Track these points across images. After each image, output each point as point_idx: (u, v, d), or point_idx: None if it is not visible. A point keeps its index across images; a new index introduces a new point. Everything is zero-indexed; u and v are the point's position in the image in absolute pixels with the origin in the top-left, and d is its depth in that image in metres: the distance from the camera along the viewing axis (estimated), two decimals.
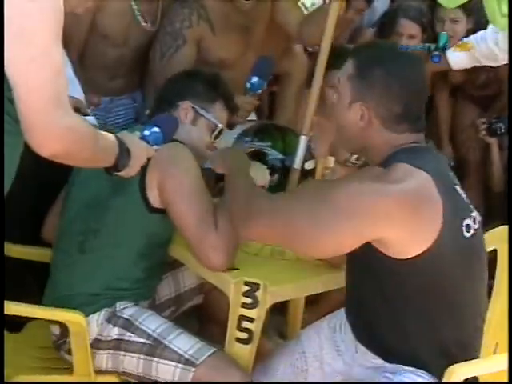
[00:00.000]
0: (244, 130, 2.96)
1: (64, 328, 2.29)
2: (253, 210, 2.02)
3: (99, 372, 2.34)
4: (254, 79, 2.97)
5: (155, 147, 2.19)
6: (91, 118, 2.62)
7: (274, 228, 1.98)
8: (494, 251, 2.42)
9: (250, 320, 2.20)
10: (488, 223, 2.41)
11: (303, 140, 2.61)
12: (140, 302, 2.42)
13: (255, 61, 3.04)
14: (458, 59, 3.49)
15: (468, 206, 2.06)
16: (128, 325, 2.31)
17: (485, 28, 3.32)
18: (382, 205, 1.89)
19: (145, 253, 2.40)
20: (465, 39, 3.51)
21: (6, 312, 2.01)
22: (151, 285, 2.52)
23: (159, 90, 2.76)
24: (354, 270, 2.11)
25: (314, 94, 2.61)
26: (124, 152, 2.01)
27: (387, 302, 2.01)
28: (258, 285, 2.18)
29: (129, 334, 2.29)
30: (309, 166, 2.71)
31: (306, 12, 3.26)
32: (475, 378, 2.08)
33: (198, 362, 2.21)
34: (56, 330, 2.39)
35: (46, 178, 2.56)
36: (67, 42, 1.80)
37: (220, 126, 2.58)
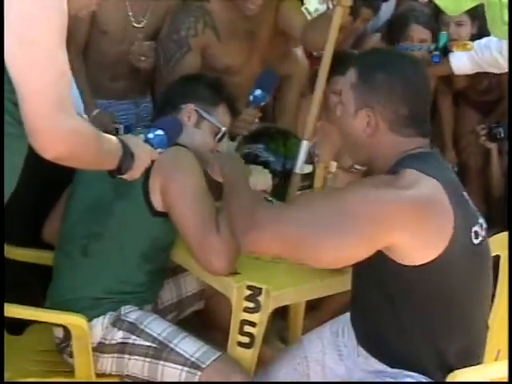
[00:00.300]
0: (246, 133, 2.97)
1: (67, 331, 2.29)
2: (257, 222, 1.93)
3: (102, 375, 2.33)
4: (258, 92, 2.99)
5: (159, 150, 2.19)
6: None
7: (282, 239, 1.91)
8: (497, 257, 2.41)
9: (252, 324, 2.20)
10: (489, 228, 2.41)
11: (305, 144, 2.61)
12: (144, 306, 2.42)
13: (259, 73, 3.05)
14: (460, 64, 3.50)
15: (475, 212, 2.05)
16: (133, 328, 2.31)
17: (489, 33, 3.32)
18: (395, 211, 1.86)
19: (148, 256, 2.40)
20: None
21: (8, 314, 2.01)
22: (154, 289, 2.52)
23: (162, 93, 2.77)
24: (361, 276, 2.09)
25: (316, 99, 2.61)
26: (128, 155, 2.01)
27: (394, 308, 1.99)
28: (260, 289, 2.18)
29: (134, 337, 2.29)
30: (307, 169, 2.71)
31: (309, 17, 3.27)
32: None
33: (204, 366, 2.21)
34: (59, 332, 2.38)
35: (49, 177, 2.56)
36: (69, 39, 1.78)
37: (223, 129, 2.58)
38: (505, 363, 2.11)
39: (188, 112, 2.54)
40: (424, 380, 2.01)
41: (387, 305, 2.01)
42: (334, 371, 2.25)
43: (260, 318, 2.20)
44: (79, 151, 1.80)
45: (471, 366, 2.04)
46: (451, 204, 1.91)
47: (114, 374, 2.34)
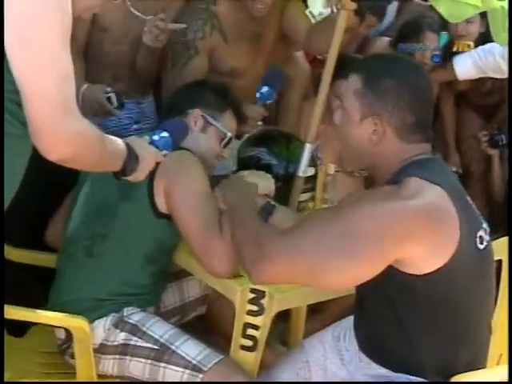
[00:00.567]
0: (249, 136, 2.97)
1: (69, 332, 2.28)
2: (265, 253, 1.87)
3: (103, 377, 2.33)
4: (264, 89, 3.00)
5: (164, 152, 2.19)
6: None
7: (293, 269, 1.87)
8: (499, 261, 2.41)
9: (256, 327, 2.19)
10: (492, 233, 2.41)
11: (308, 148, 2.61)
12: (146, 308, 2.42)
13: (266, 71, 3.05)
14: (464, 69, 3.51)
15: (479, 217, 2.04)
16: (135, 330, 2.30)
17: None
18: (403, 223, 1.84)
19: (152, 258, 2.41)
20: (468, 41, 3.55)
21: (9, 317, 2.01)
22: (157, 291, 2.52)
23: (169, 98, 2.77)
24: (366, 284, 2.05)
25: (319, 102, 2.61)
26: (132, 157, 2.00)
27: (399, 317, 1.97)
28: (263, 292, 2.18)
29: (136, 338, 2.29)
30: (309, 172, 2.71)
31: (313, 20, 3.27)
32: None
33: (205, 369, 2.21)
34: (61, 334, 2.38)
35: (53, 179, 2.56)
36: (71, 41, 1.77)
37: (229, 134, 2.60)
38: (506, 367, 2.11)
39: (194, 117, 2.56)
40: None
41: (391, 312, 1.99)
42: (336, 376, 2.24)
43: (263, 321, 2.19)
44: (83, 153, 1.79)
45: (474, 369, 2.03)
46: (456, 210, 1.90)
47: (115, 375, 2.33)
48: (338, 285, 1.95)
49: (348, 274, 1.86)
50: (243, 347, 2.22)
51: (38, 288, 2.71)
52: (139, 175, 2.06)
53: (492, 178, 4.07)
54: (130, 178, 2.06)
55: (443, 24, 3.70)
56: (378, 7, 3.67)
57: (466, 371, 1.99)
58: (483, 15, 3.59)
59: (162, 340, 2.27)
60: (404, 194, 1.87)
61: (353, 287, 2.08)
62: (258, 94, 3.01)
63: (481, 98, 4.11)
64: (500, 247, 2.40)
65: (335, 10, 2.81)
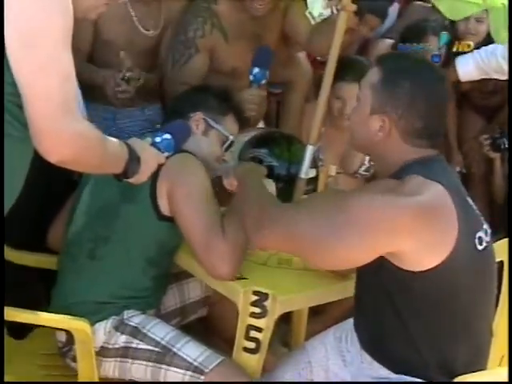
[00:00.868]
0: (250, 137, 2.97)
1: (70, 335, 2.28)
2: (267, 219, 1.99)
3: (105, 379, 2.32)
4: (256, 70, 2.98)
5: (166, 154, 2.19)
6: None
7: (289, 238, 1.95)
8: (500, 262, 2.41)
9: (259, 330, 2.19)
10: (493, 234, 2.41)
11: (310, 149, 2.61)
12: (147, 310, 2.41)
13: (254, 52, 3.03)
14: (466, 70, 3.50)
15: (479, 218, 2.04)
16: (136, 332, 2.30)
17: None
18: (398, 217, 1.86)
19: (154, 261, 2.41)
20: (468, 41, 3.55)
21: (9, 319, 2.00)
22: (158, 294, 2.51)
23: (171, 102, 2.77)
24: (365, 281, 2.09)
25: (321, 104, 2.60)
26: (134, 159, 2.00)
27: (398, 315, 1.99)
28: (266, 294, 2.18)
29: (137, 341, 2.29)
30: (311, 174, 2.71)
31: (313, 22, 3.27)
32: None
33: (207, 370, 2.20)
34: (62, 336, 2.38)
35: (55, 181, 2.56)
36: (75, 52, 1.77)
37: (231, 137, 2.61)
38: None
39: (196, 120, 2.56)
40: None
41: (390, 310, 2.00)
42: (338, 377, 2.24)
43: (266, 324, 2.19)
44: (84, 155, 1.79)
45: (475, 370, 2.03)
46: (456, 209, 1.91)
47: (116, 378, 2.33)
48: (329, 264, 2.03)
49: (339, 255, 1.91)
50: (246, 349, 2.22)
51: (39, 288, 2.71)
52: (141, 177, 2.06)
53: (493, 180, 4.08)
54: (131, 180, 2.06)
55: (448, 25, 3.70)
56: (380, 8, 3.67)
57: (464, 372, 2.00)
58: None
59: (163, 342, 2.27)
60: (405, 189, 1.89)
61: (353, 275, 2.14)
62: (250, 77, 2.99)
63: (482, 98, 4.10)
64: (501, 248, 2.40)
65: (335, 12, 2.80)
